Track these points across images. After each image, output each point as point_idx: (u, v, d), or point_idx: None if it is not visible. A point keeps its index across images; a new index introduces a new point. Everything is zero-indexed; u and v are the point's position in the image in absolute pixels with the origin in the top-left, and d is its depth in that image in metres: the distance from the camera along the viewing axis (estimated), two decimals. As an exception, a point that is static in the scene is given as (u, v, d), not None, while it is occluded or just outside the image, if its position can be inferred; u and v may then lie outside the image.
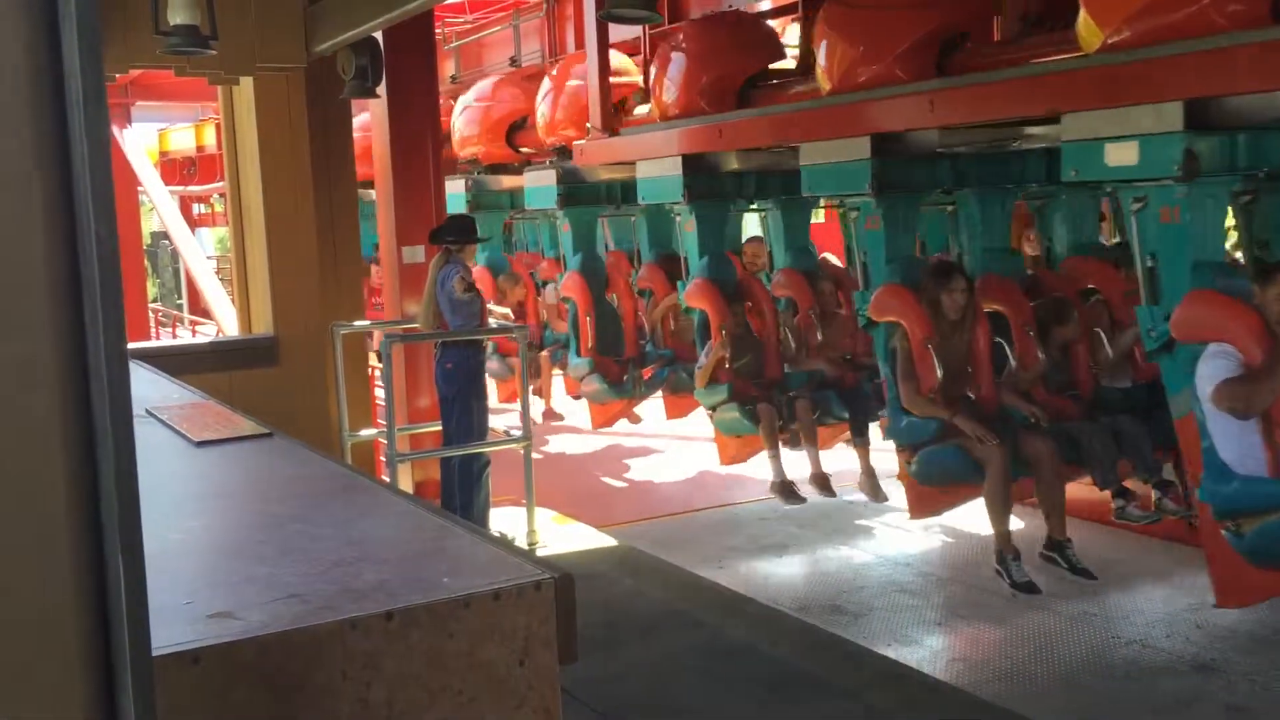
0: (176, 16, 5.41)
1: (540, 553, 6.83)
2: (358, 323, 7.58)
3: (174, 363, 5.73)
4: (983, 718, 4.67)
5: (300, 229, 7.33)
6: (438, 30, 10.46)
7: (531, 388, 9.92)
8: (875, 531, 7.90)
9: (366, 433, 7.57)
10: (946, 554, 7.48)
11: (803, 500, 7.32)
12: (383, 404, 7.59)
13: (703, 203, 7.39)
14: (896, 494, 7.43)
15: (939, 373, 5.78)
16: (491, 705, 1.75)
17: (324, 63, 6.97)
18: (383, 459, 7.47)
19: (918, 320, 5.82)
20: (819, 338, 7.31)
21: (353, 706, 1.67)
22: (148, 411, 3.44)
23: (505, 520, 7.41)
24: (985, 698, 4.96)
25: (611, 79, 8.19)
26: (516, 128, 9.74)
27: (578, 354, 8.84)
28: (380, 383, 7.88)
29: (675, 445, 10.59)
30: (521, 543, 6.98)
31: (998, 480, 5.58)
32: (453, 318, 6.96)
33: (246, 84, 7.26)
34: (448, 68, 11.60)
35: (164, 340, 16.92)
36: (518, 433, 7.28)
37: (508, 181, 9.95)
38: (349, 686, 1.66)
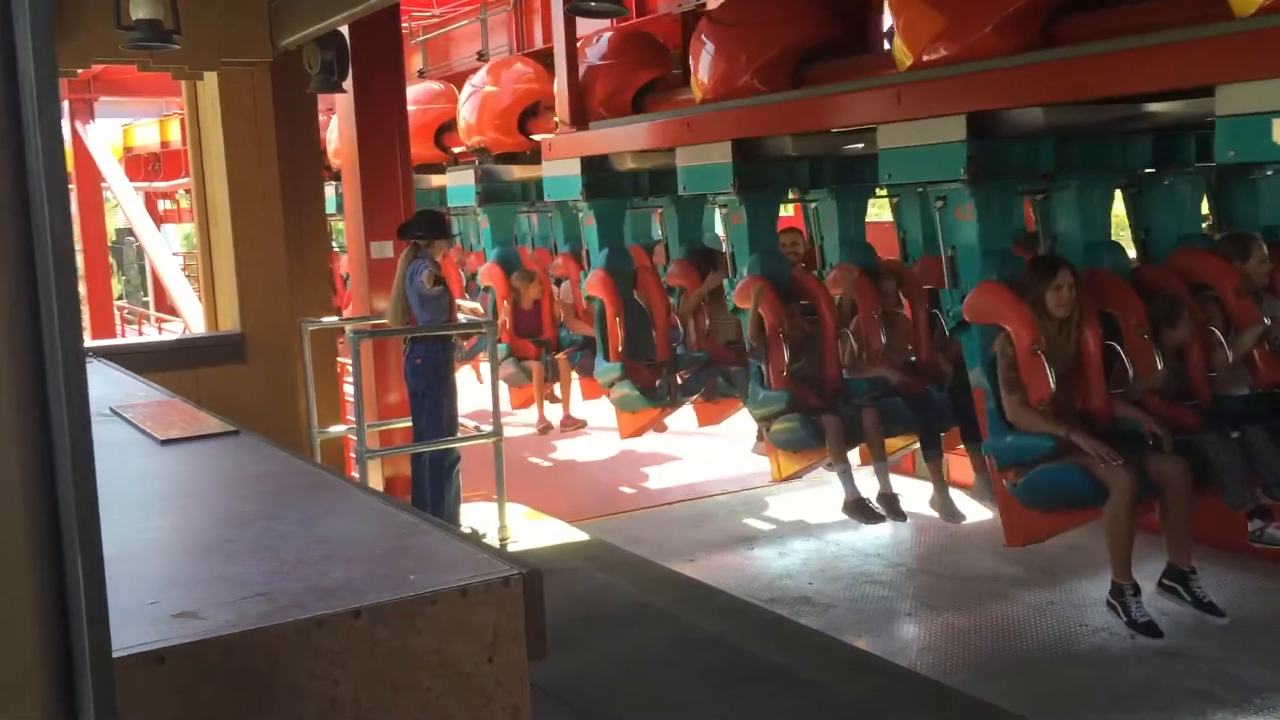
0: (139, 11, 5.36)
1: (511, 548, 6.82)
2: (326, 319, 7.54)
3: (140, 360, 5.68)
4: (952, 706, 4.70)
5: (267, 225, 7.27)
6: (404, 24, 10.38)
7: (545, 394, 9.44)
8: (844, 523, 7.91)
9: (336, 429, 7.53)
10: (916, 545, 7.52)
11: (882, 518, 6.58)
12: (352, 400, 7.55)
13: (752, 193, 6.71)
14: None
15: (1052, 382, 5.13)
16: (460, 702, 1.74)
17: (289, 57, 6.92)
18: (353, 455, 7.43)
19: (1024, 322, 5.17)
20: (882, 341, 6.60)
21: (320, 704, 1.66)
22: (112, 410, 3.40)
23: (477, 516, 7.40)
24: (954, 686, 5.00)
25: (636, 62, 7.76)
26: (529, 114, 9.00)
27: (606, 358, 8.12)
28: (349, 378, 7.83)
29: (647, 439, 10.58)
30: (493, 538, 6.97)
31: (1123, 505, 4.95)
32: (421, 313, 6.93)
33: (211, 79, 7.20)
34: (415, 62, 11.53)
35: (129, 338, 16.77)
36: (488, 428, 7.26)
37: (520, 171, 9.24)
38: (316, 685, 1.65)
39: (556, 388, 9.58)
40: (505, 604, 1.78)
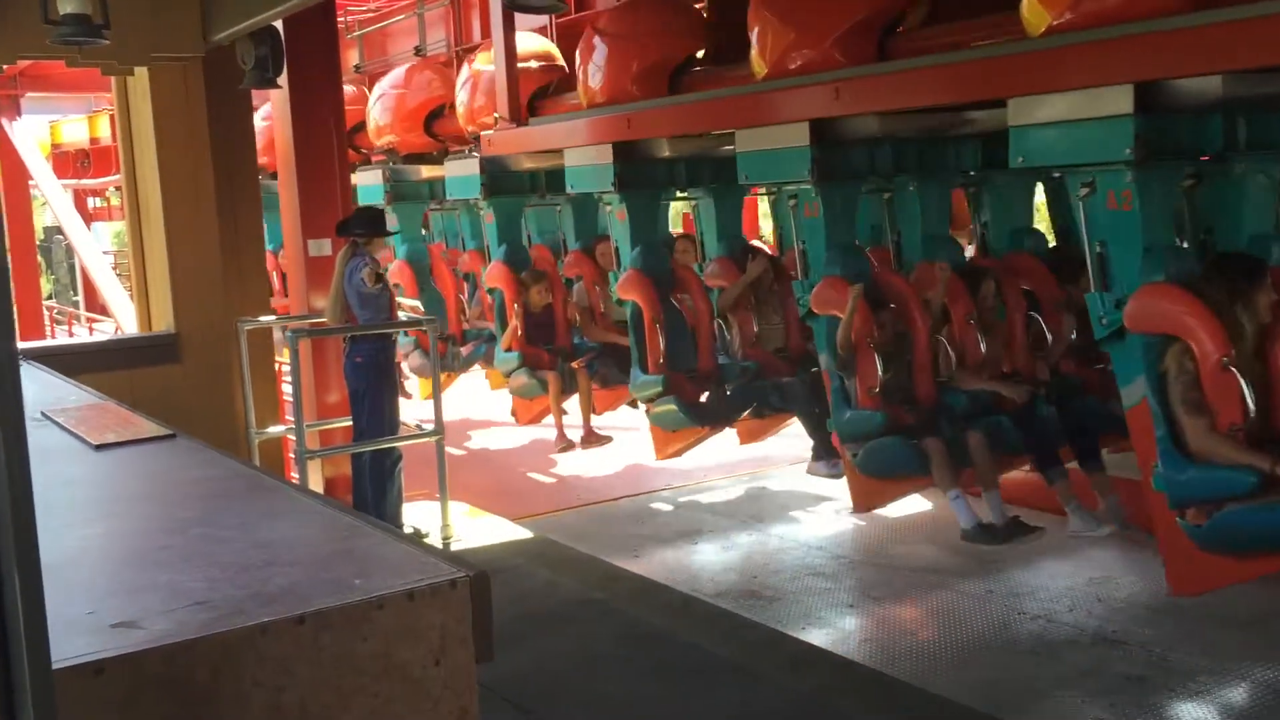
0: (67, 5, 5.24)
1: (454, 546, 6.79)
2: (263, 318, 7.44)
3: (71, 362, 5.57)
4: (895, 697, 4.76)
5: (201, 223, 7.16)
6: (340, 19, 10.26)
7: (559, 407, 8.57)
8: (787, 517, 7.99)
9: (274, 430, 7.44)
10: (857, 537, 7.59)
11: (1011, 537, 5.80)
12: (290, 400, 7.46)
13: (832, 183, 5.95)
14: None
15: (1250, 404, 4.35)
16: (407, 706, 1.73)
17: (222, 52, 6.81)
18: (292, 456, 7.34)
19: (1212, 333, 4.38)
20: (982, 350, 5.84)
21: (265, 712, 1.64)
22: (43, 414, 3.33)
23: (419, 515, 7.35)
24: (897, 676, 5.05)
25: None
26: (539, 96, 8.20)
27: (644, 370, 7.19)
28: (288, 378, 7.73)
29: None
30: (435, 537, 6.92)
31: None
32: (361, 311, 6.86)
33: (142, 74, 7.07)
34: (351, 57, 11.41)
35: (59, 339, 16.42)
36: (430, 426, 7.21)
37: (529, 161, 8.32)
38: (260, 693, 1.63)
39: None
40: (452, 607, 1.77)
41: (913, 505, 7.02)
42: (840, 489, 8.06)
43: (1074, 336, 5.90)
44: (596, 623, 5.56)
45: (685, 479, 9.07)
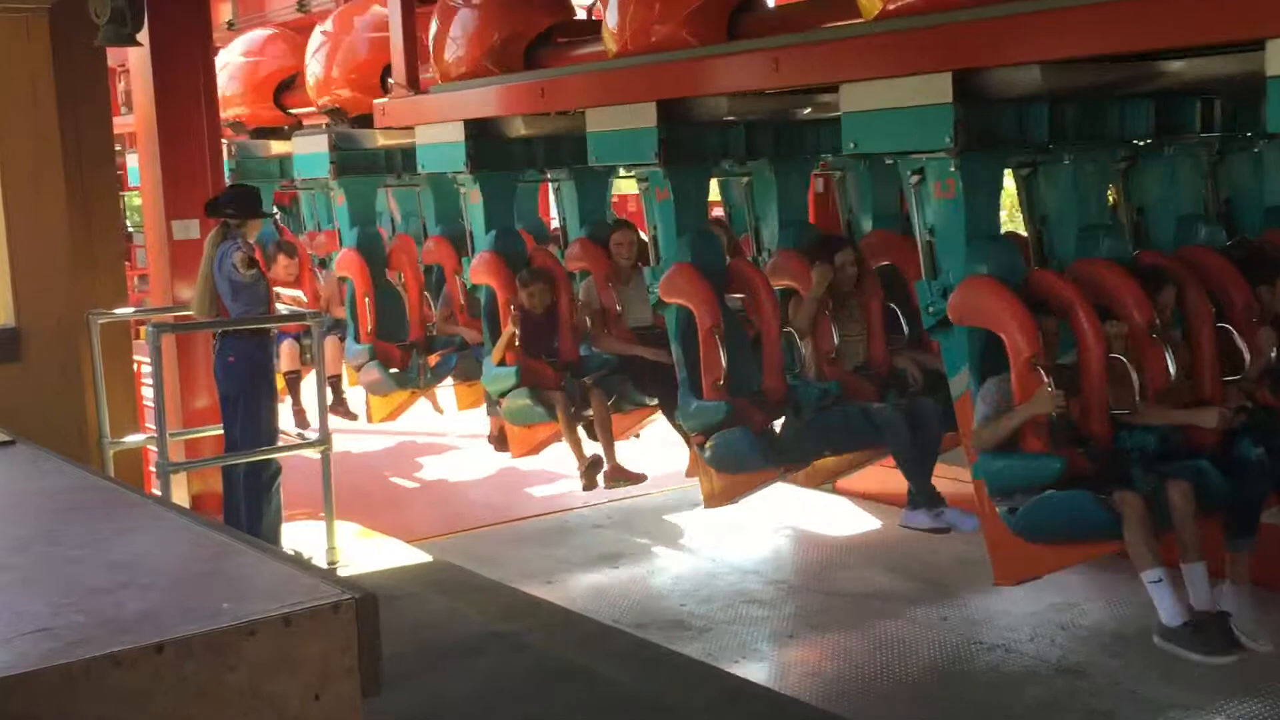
0: (-114, -55, 5.11)
1: (341, 572, 6.73)
2: (119, 310, 7.32)
3: (-109, 360, 5.44)
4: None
5: (45, 201, 7.02)
6: (210, -31, 10.11)
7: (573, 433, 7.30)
8: (721, 538, 8.04)
9: (132, 439, 7.33)
10: (798, 560, 7.68)
11: (1233, 647, 4.70)
12: (151, 405, 7.34)
13: (975, 155, 4.97)
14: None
15: None
16: (282, 746, 1.73)
17: (72, 5, 6.70)
18: (152, 469, 7.23)
19: None
20: (1172, 373, 4.98)
21: (118, 753, 1.63)
22: None
23: (301, 536, 7.28)
24: (841, 714, 5.12)
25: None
26: (542, 43, 7.15)
27: (698, 394, 6.28)
28: (148, 380, 7.60)
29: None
30: (320, 561, 6.87)
31: None
32: (233, 303, 6.78)
33: (-24, 28, 6.92)
34: (223, 11, 11.26)
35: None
36: (313, 435, 7.15)
37: (524, 126, 7.20)
38: (111, 731, 1.62)
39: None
40: (335, 633, 1.77)
41: (857, 524, 7.11)
42: (795, 510, 8.16)
43: (1275, 355, 5.31)
44: (503, 657, 5.56)
45: (605, 495, 9.08)
